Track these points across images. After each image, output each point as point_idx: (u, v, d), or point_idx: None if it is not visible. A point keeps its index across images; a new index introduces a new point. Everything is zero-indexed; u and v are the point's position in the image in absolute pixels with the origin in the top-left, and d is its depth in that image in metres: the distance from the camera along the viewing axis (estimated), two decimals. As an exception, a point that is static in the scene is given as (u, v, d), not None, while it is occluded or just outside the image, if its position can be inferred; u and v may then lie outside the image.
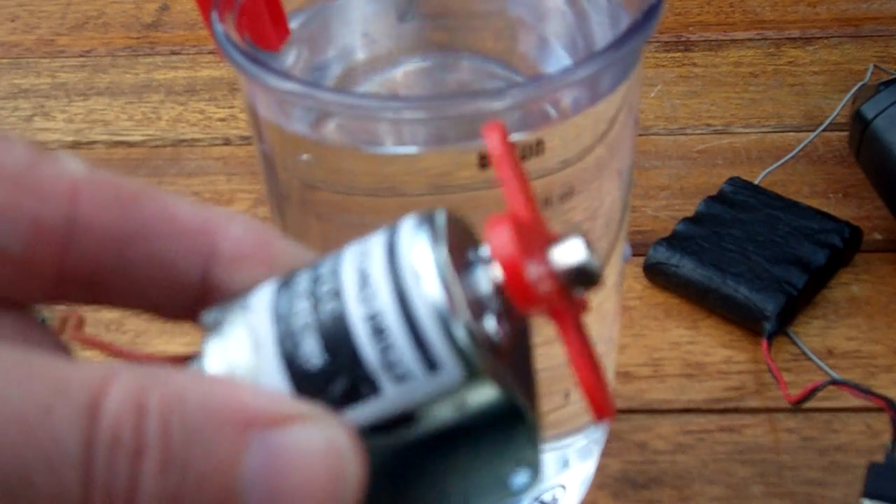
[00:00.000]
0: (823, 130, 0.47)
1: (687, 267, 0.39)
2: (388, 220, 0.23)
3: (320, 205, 0.24)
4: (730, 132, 0.48)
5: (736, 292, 0.38)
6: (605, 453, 0.33)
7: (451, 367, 0.16)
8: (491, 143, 0.16)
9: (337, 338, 0.16)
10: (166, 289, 0.18)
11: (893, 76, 0.46)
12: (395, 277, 0.16)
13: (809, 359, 0.37)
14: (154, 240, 0.17)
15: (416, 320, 0.15)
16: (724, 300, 0.38)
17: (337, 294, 0.16)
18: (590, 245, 0.16)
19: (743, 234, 0.40)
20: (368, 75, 0.28)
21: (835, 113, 0.48)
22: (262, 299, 0.17)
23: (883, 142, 0.40)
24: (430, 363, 0.16)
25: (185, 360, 0.17)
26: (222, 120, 0.51)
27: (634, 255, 0.41)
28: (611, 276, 0.27)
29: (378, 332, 0.16)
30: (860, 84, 0.47)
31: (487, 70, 0.29)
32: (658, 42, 0.54)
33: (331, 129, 0.23)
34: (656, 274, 0.40)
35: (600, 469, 0.33)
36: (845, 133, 0.44)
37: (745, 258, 0.39)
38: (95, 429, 0.14)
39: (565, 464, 0.30)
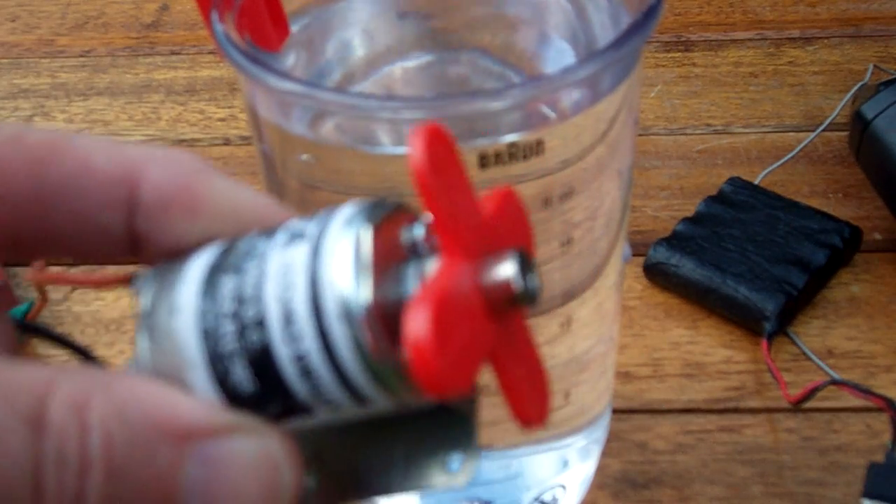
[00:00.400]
0: (823, 130, 0.47)
1: (687, 267, 0.39)
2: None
3: (320, 205, 0.24)
4: (730, 132, 0.48)
5: (736, 292, 0.38)
6: (605, 453, 0.33)
7: (380, 400, 0.16)
8: (415, 149, 0.15)
9: (266, 372, 0.16)
10: (93, 241, 0.18)
11: (893, 76, 0.46)
12: (319, 320, 0.15)
13: (809, 359, 0.37)
14: (72, 197, 0.17)
15: (343, 366, 0.15)
16: (724, 300, 0.38)
17: (261, 324, 0.16)
18: (527, 263, 0.16)
19: (743, 234, 0.40)
20: (368, 74, 0.28)
21: (835, 113, 0.48)
22: (188, 302, 0.16)
23: (883, 142, 0.40)
24: (360, 399, 0.16)
25: (129, 280, 0.18)
26: (222, 120, 0.51)
27: (634, 255, 0.41)
28: (611, 276, 0.27)
29: (306, 372, 0.16)
30: (860, 84, 0.47)
31: (487, 67, 0.29)
32: (658, 42, 0.54)
33: (330, 129, 0.23)
34: (656, 274, 0.40)
35: (600, 469, 0.33)
36: (845, 133, 0.44)
37: (745, 258, 0.39)
38: (41, 445, 0.14)
39: (565, 464, 0.30)
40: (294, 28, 0.26)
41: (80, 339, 0.40)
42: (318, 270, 0.16)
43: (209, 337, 0.16)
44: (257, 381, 0.16)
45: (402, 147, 0.23)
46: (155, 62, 0.56)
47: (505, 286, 0.16)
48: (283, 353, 0.16)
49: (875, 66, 0.50)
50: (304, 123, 0.23)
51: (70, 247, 0.18)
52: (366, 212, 0.16)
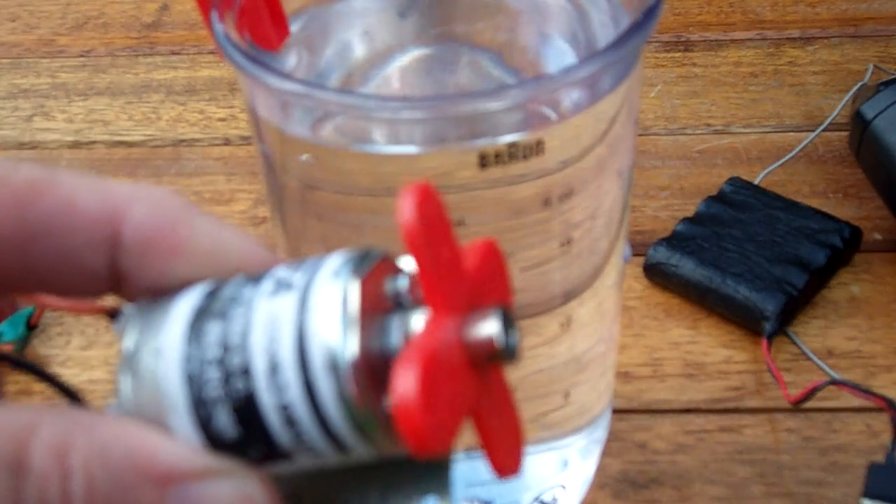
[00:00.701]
0: (823, 130, 0.47)
1: (687, 267, 0.39)
2: (388, 220, 0.23)
3: (320, 205, 0.24)
4: (730, 132, 0.48)
5: (736, 292, 0.38)
6: (605, 453, 0.33)
7: (361, 450, 0.16)
8: (404, 210, 0.15)
9: (250, 420, 0.16)
10: (74, 279, 0.18)
11: (893, 76, 0.46)
12: (305, 371, 0.16)
13: (809, 359, 0.37)
14: (55, 235, 0.17)
15: (327, 417, 0.16)
16: (724, 300, 0.38)
17: (246, 373, 0.16)
18: (509, 320, 0.16)
19: (743, 234, 0.40)
20: (368, 73, 0.28)
21: (835, 113, 0.48)
22: (173, 346, 0.17)
23: (883, 142, 0.40)
24: (342, 448, 0.16)
25: (109, 312, 0.18)
26: (222, 120, 0.51)
27: (634, 255, 0.41)
28: (611, 275, 0.27)
29: (290, 422, 0.16)
30: (860, 84, 0.47)
31: (488, 66, 0.29)
32: (658, 42, 0.54)
33: (330, 129, 0.23)
34: (656, 274, 0.40)
35: (600, 469, 0.33)
36: (845, 133, 0.44)
37: (745, 258, 0.39)
38: (23, 489, 0.14)
39: (565, 464, 0.30)
40: (294, 28, 0.26)
41: (81, 338, 0.40)
42: (305, 322, 0.16)
43: (193, 382, 0.16)
44: (240, 428, 0.16)
45: (402, 147, 0.23)
46: (155, 62, 0.56)
47: (488, 343, 0.16)
48: (267, 402, 0.16)
49: (875, 66, 0.50)
50: (304, 124, 0.23)
51: (51, 284, 0.18)
52: (353, 263, 0.16)
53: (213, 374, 0.16)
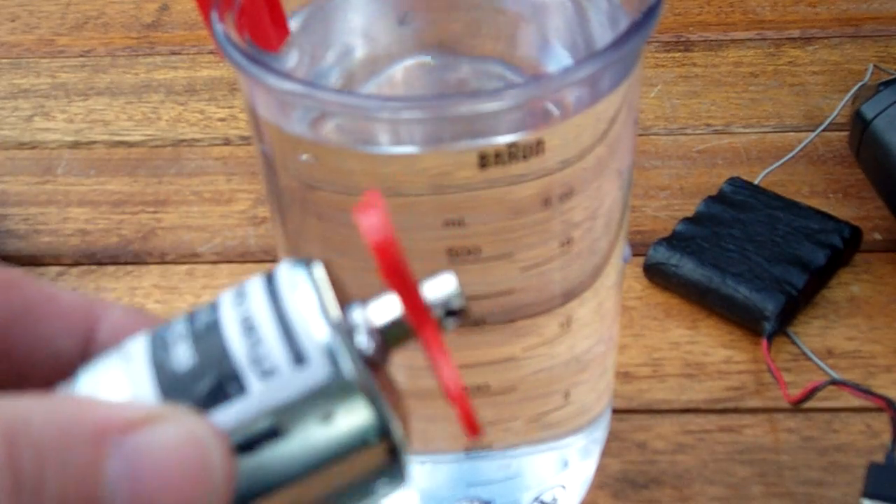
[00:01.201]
0: (823, 130, 0.47)
1: (687, 267, 0.39)
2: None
3: (320, 205, 0.24)
4: (730, 132, 0.48)
5: (736, 292, 0.38)
6: (605, 453, 0.33)
7: (317, 361, 0.16)
8: (367, 223, 0.17)
9: (208, 340, 0.16)
10: (44, 362, 0.18)
11: (893, 76, 0.46)
12: (271, 288, 0.17)
13: (809, 359, 0.37)
14: (38, 320, 0.18)
15: (287, 315, 0.16)
16: (724, 300, 0.38)
17: (214, 310, 0.17)
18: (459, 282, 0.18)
19: (743, 234, 0.40)
20: (368, 75, 0.28)
21: (835, 113, 0.48)
22: (139, 337, 0.17)
23: (883, 142, 0.40)
24: (298, 356, 0.16)
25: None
26: (222, 120, 0.51)
27: (634, 255, 0.41)
28: (611, 275, 0.27)
29: (249, 329, 0.16)
30: (860, 84, 0.47)
31: (487, 69, 0.29)
32: (658, 42, 0.54)
33: (330, 129, 0.23)
34: (656, 274, 0.40)
35: (600, 469, 0.33)
36: (845, 133, 0.44)
37: (745, 258, 0.39)
38: None
39: (565, 464, 0.30)
40: (294, 28, 0.26)
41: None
42: (273, 271, 0.17)
43: (157, 338, 0.17)
44: (196, 355, 0.16)
45: (402, 147, 0.23)
46: (155, 62, 0.56)
47: (447, 299, 0.18)
48: (229, 318, 0.16)
49: (875, 66, 0.50)
50: (304, 124, 0.23)
51: (21, 373, 0.18)
52: (304, 260, 0.18)
53: (180, 325, 0.17)
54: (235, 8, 0.24)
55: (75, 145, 0.50)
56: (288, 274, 0.17)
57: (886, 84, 0.41)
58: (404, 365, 0.26)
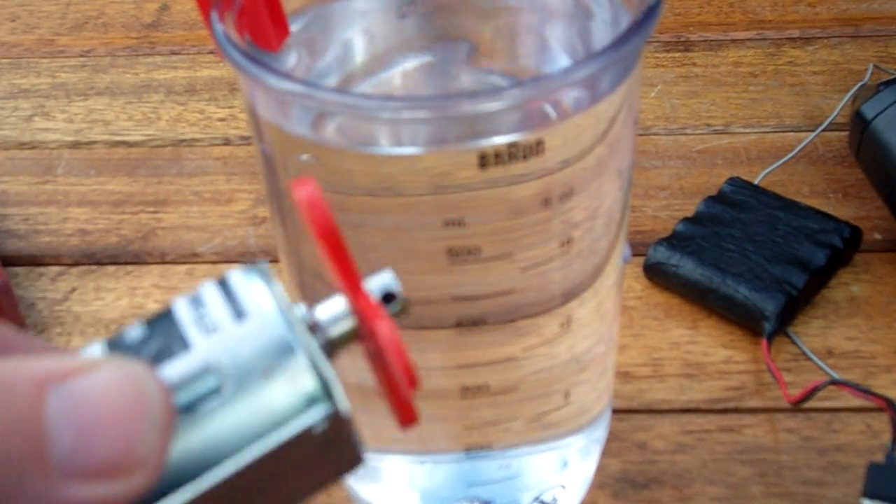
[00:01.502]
0: (823, 130, 0.47)
1: (687, 267, 0.39)
2: (388, 220, 0.23)
3: (320, 205, 0.24)
4: (730, 132, 0.48)
5: (736, 292, 0.38)
6: (605, 453, 0.33)
7: (258, 316, 0.17)
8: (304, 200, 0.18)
9: (159, 319, 0.17)
10: None
11: (893, 76, 0.46)
12: (223, 283, 0.18)
13: (809, 359, 0.37)
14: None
15: (234, 293, 0.18)
16: (724, 300, 0.38)
17: (167, 305, 0.18)
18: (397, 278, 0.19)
19: (743, 234, 0.40)
20: (368, 75, 0.28)
21: (835, 113, 0.48)
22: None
23: (883, 142, 0.40)
24: (240, 312, 0.17)
25: None
26: (222, 120, 0.51)
27: (634, 255, 0.41)
28: (611, 275, 0.27)
29: (197, 304, 0.17)
30: (860, 84, 0.47)
31: (487, 68, 0.29)
32: (658, 42, 0.54)
33: (330, 129, 0.23)
34: (656, 274, 0.40)
35: (600, 469, 0.33)
36: (845, 133, 0.44)
37: (745, 258, 0.39)
38: None
39: (565, 464, 0.30)
40: (294, 28, 0.26)
41: (80, 339, 0.40)
42: (226, 274, 0.18)
43: (112, 339, 0.18)
44: (146, 329, 0.17)
45: (402, 147, 0.23)
46: (155, 62, 0.56)
47: (387, 290, 0.19)
48: (180, 301, 0.17)
49: (875, 66, 0.50)
50: (305, 124, 0.23)
51: None
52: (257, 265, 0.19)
53: (134, 324, 0.18)
54: (235, 8, 0.24)
55: (75, 145, 0.50)
56: (239, 271, 0.18)
57: (886, 84, 0.41)
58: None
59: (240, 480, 0.17)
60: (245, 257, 0.43)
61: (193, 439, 0.17)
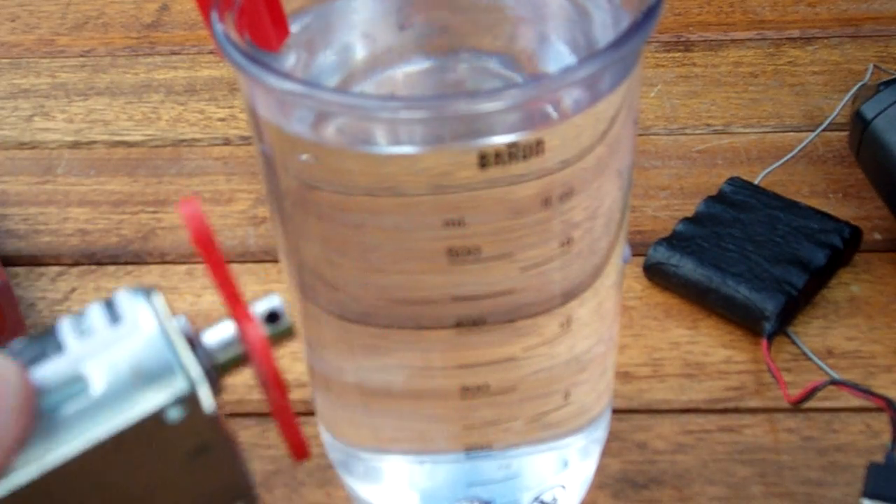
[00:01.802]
0: (823, 130, 0.47)
1: (687, 267, 0.39)
2: (388, 220, 0.23)
3: (320, 205, 0.24)
4: (730, 132, 0.48)
5: (736, 292, 0.38)
6: (605, 453, 0.33)
7: (132, 321, 0.18)
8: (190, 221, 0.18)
9: (42, 333, 0.18)
10: None
11: (893, 76, 0.46)
12: (108, 301, 0.18)
13: (809, 359, 0.37)
14: None
15: (116, 306, 0.18)
16: (724, 300, 0.38)
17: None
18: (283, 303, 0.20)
19: (743, 234, 0.40)
20: (368, 75, 0.28)
21: (835, 113, 0.48)
22: None
23: (883, 142, 0.40)
24: (115, 317, 0.18)
25: None
26: (222, 120, 0.51)
27: (634, 255, 0.41)
28: (611, 275, 0.27)
29: (78, 316, 0.18)
30: (860, 84, 0.47)
31: (487, 69, 0.29)
32: (658, 42, 0.54)
33: (331, 129, 0.23)
34: (656, 274, 0.40)
35: (600, 469, 0.33)
36: (845, 133, 0.44)
37: (745, 258, 0.39)
38: None
39: (565, 464, 0.30)
40: (294, 28, 0.26)
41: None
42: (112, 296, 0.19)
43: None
44: (30, 340, 0.18)
45: (402, 147, 0.23)
46: (155, 62, 0.56)
47: (272, 314, 0.20)
48: (64, 319, 0.18)
49: (875, 66, 0.50)
50: (304, 124, 0.23)
51: None
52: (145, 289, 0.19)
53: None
54: (235, 8, 0.24)
55: (75, 145, 0.50)
56: (125, 291, 0.19)
57: (886, 84, 0.41)
58: (404, 365, 0.27)
59: (92, 466, 0.17)
60: (245, 257, 0.43)
61: (55, 429, 0.17)
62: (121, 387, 0.17)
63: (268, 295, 0.20)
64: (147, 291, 0.19)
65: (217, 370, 0.19)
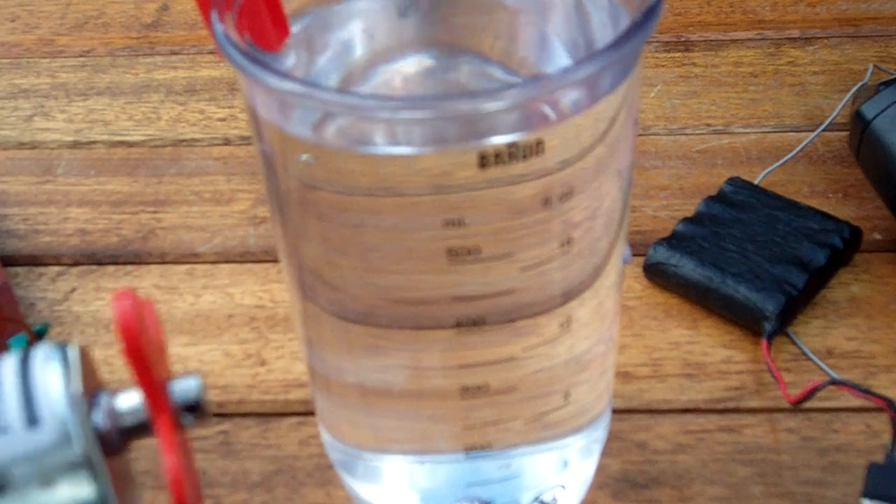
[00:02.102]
0: (823, 130, 0.47)
1: (687, 267, 0.39)
2: (388, 220, 0.23)
3: (320, 205, 0.24)
4: (730, 132, 0.48)
5: (736, 292, 0.38)
6: (605, 453, 0.33)
7: (49, 426, 0.18)
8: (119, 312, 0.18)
9: None
10: None
11: (893, 76, 0.46)
12: (24, 363, 0.18)
13: (809, 359, 0.37)
14: None
15: (31, 385, 0.18)
16: (724, 300, 0.38)
17: None
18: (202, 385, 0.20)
19: (743, 234, 0.40)
20: (368, 75, 0.28)
21: (835, 113, 0.48)
22: None
23: (883, 142, 0.40)
24: (32, 418, 0.17)
25: None
26: (222, 120, 0.51)
27: (634, 255, 0.41)
28: (611, 275, 0.27)
29: None
30: (860, 84, 0.47)
31: (487, 68, 0.29)
32: (658, 42, 0.54)
33: (331, 129, 0.23)
34: (656, 274, 0.40)
35: (600, 469, 0.33)
36: (845, 133, 0.44)
37: (745, 258, 0.39)
38: None
39: (565, 464, 0.30)
40: (294, 28, 0.26)
41: (80, 339, 0.40)
42: (29, 350, 0.19)
43: None
44: None
45: (402, 147, 0.23)
46: (155, 62, 0.56)
47: (192, 395, 0.20)
48: None
49: (875, 66, 0.50)
50: (305, 124, 0.23)
51: None
52: (62, 343, 0.19)
53: None
54: (235, 8, 0.24)
55: (75, 145, 0.50)
56: (41, 352, 0.19)
57: (886, 84, 0.41)
58: (404, 365, 0.27)
59: None
60: (245, 257, 0.43)
61: None
62: (38, 498, 0.18)
63: (188, 378, 0.20)
64: (64, 359, 0.19)
65: (126, 437, 0.20)
